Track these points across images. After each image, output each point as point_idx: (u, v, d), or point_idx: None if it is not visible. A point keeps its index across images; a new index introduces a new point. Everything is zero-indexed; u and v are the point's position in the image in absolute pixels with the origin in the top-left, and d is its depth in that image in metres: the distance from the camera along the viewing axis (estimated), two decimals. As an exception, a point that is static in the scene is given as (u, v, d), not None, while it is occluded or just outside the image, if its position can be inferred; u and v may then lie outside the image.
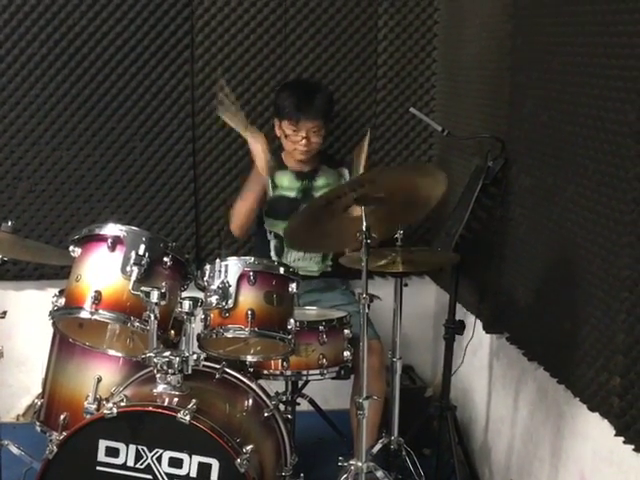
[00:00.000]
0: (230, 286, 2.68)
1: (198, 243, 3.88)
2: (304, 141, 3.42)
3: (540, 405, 2.90)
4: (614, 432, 2.29)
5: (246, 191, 3.44)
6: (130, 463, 2.39)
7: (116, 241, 2.65)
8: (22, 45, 3.61)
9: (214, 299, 2.66)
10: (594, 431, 2.48)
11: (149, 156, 3.79)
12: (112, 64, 3.67)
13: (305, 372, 2.99)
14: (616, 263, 2.28)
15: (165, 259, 2.67)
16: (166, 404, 2.42)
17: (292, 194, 3.52)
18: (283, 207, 3.49)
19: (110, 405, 2.39)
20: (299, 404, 3.25)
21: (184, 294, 2.74)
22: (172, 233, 3.83)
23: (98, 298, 2.59)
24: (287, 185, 3.54)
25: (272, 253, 3.53)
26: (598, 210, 2.38)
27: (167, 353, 2.48)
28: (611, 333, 2.31)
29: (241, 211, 3.47)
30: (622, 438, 2.26)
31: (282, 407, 2.92)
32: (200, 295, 2.69)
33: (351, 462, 2.75)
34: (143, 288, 2.52)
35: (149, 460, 2.38)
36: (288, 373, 2.96)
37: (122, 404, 2.41)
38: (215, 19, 3.72)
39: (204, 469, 2.37)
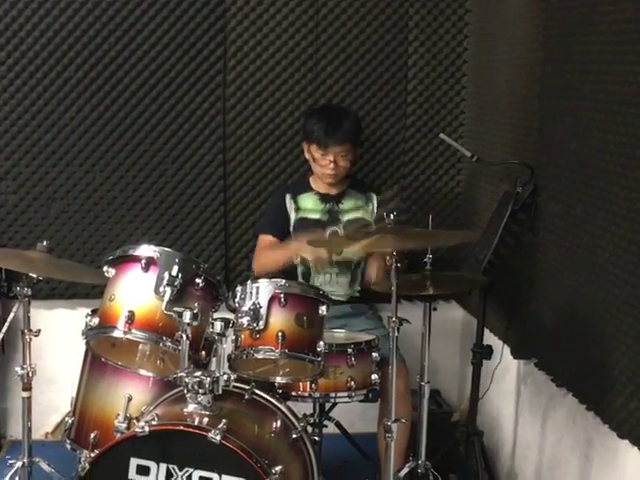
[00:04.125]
0: (261, 307, 2.71)
1: (227, 265, 3.92)
2: (332, 165, 3.45)
3: (568, 431, 2.90)
4: (644, 460, 2.30)
5: (279, 256, 3.40)
6: (160, 481, 2.41)
7: (150, 262, 2.69)
8: (59, 69, 3.68)
9: (245, 320, 2.70)
10: (624, 458, 2.48)
11: (180, 178, 3.84)
12: (146, 88, 3.74)
13: (333, 394, 3.00)
14: (647, 290, 2.29)
15: (197, 280, 2.71)
16: (197, 424, 2.45)
17: (317, 216, 3.54)
18: (309, 229, 3.51)
19: (142, 424, 2.42)
20: (326, 426, 3.26)
21: (215, 315, 2.78)
22: (202, 255, 3.87)
23: (131, 318, 2.63)
24: (311, 207, 3.56)
25: (299, 278, 3.54)
26: (629, 237, 2.39)
27: (198, 373, 2.51)
28: (641, 360, 2.32)
29: (268, 266, 3.40)
30: (652, 466, 2.27)
31: (310, 429, 2.94)
32: (231, 316, 2.72)
33: (378, 485, 2.77)
34: (176, 308, 2.56)
35: (179, 479, 2.41)
36: (316, 395, 2.97)
37: (153, 423, 2.43)
38: (247, 44, 3.78)
39: (233, 489, 2.39)
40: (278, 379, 2.87)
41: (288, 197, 3.57)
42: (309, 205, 3.56)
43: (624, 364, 2.41)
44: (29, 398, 2.92)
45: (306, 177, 3.64)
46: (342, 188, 3.59)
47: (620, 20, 2.45)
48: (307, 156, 3.54)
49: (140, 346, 2.82)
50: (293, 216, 3.56)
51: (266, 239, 3.56)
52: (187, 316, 2.53)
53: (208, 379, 2.49)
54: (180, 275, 2.66)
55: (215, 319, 2.59)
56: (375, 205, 3.58)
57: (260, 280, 2.81)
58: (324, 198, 3.57)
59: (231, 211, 3.90)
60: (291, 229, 3.56)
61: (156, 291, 2.65)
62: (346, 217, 3.54)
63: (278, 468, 2.44)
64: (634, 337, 2.35)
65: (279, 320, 2.72)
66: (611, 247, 2.49)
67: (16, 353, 3.04)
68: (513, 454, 3.42)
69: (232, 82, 3.81)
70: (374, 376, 3.03)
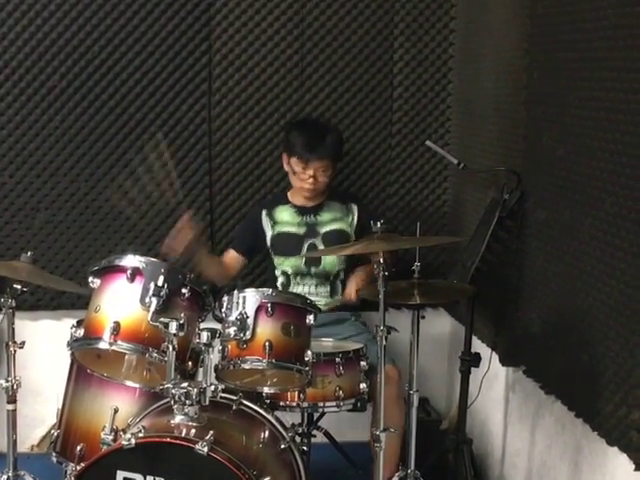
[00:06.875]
0: (248, 317, 2.69)
1: (214, 274, 3.89)
2: (311, 179, 3.43)
3: (557, 439, 2.89)
4: (633, 467, 2.28)
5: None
6: (147, 494, 2.38)
7: (135, 272, 2.67)
8: (42, 78, 3.66)
9: (232, 330, 2.68)
10: (613, 466, 2.47)
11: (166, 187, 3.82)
12: (130, 97, 3.72)
13: (321, 404, 2.98)
14: (635, 296, 2.28)
15: (183, 290, 2.69)
16: (184, 435, 2.42)
17: (294, 229, 3.53)
18: (286, 244, 3.51)
19: (128, 436, 2.39)
20: (315, 436, 3.24)
21: (202, 325, 2.75)
22: (188, 265, 3.83)
23: (117, 329, 2.60)
24: (288, 220, 3.55)
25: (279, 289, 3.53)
26: (616, 244, 2.38)
27: (185, 384, 2.49)
28: (630, 367, 2.31)
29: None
30: (642, 473, 2.26)
31: (298, 439, 2.92)
32: (217, 326, 2.70)
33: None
34: (162, 319, 2.54)
35: (166, 491, 2.38)
36: (304, 405, 2.95)
37: (140, 435, 2.41)
38: (233, 52, 3.76)
39: (221, 501, 2.37)
40: (266, 389, 2.85)
41: (264, 213, 3.57)
42: (285, 218, 3.55)
43: (612, 371, 2.40)
44: (14, 411, 2.89)
45: (285, 190, 3.63)
46: (320, 200, 3.57)
47: (605, 26, 2.44)
48: (286, 168, 3.52)
49: (126, 357, 2.79)
50: (270, 233, 3.55)
51: (229, 254, 3.65)
52: (173, 327, 2.50)
53: (195, 390, 2.47)
54: (166, 285, 2.64)
55: (202, 329, 2.57)
56: (356, 216, 3.56)
57: (247, 290, 2.79)
58: (301, 211, 3.55)
59: (217, 220, 3.88)
60: (268, 245, 3.56)
61: (142, 302, 2.63)
62: (324, 229, 3.52)
63: (266, 479, 2.42)
64: (622, 344, 2.34)
65: (266, 330, 2.70)
66: (598, 253, 2.48)
67: (0, 365, 3.01)
68: (502, 461, 3.41)
69: (217, 90, 3.79)
70: (362, 385, 3.01)
